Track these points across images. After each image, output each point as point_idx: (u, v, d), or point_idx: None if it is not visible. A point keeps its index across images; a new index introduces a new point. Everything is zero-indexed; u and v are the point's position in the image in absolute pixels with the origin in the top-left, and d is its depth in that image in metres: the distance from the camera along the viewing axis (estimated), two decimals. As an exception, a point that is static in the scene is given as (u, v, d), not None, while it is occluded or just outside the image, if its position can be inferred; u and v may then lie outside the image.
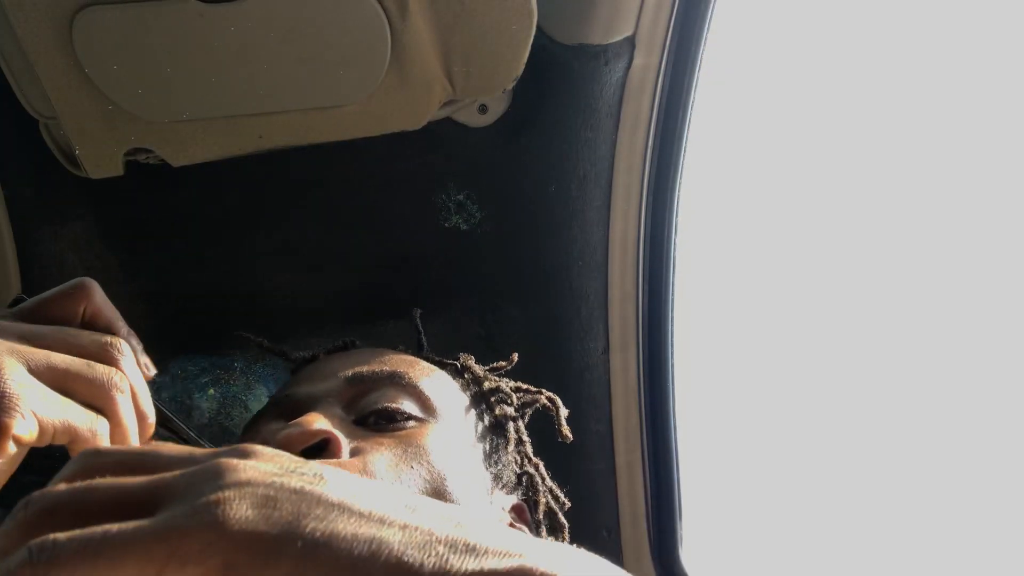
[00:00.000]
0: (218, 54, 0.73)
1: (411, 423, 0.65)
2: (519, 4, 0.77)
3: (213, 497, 0.27)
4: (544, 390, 0.82)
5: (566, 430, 0.80)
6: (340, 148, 0.87)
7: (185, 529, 0.27)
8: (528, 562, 0.27)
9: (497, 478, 0.73)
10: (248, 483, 0.28)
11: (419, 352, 0.82)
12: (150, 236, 0.97)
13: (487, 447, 0.74)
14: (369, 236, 1.00)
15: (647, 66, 0.92)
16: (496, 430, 0.77)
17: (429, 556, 0.27)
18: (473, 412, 0.75)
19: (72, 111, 0.76)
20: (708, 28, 0.92)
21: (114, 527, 0.27)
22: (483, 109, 0.91)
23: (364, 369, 0.68)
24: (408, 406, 0.66)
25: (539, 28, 0.81)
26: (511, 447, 0.77)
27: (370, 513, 0.28)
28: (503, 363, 0.85)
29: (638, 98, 0.94)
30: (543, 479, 0.80)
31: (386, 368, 0.68)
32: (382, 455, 0.60)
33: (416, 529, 0.28)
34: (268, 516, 0.27)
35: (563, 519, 0.80)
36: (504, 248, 1.02)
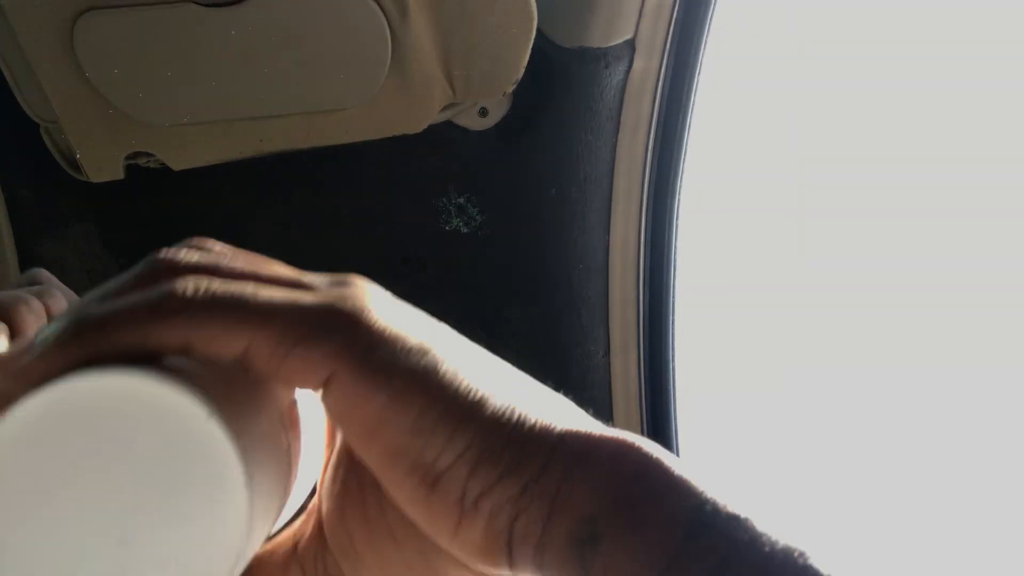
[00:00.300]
0: (218, 58, 0.73)
1: None
2: (519, 7, 0.77)
3: (350, 309, 0.26)
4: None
5: None
6: (341, 151, 0.87)
7: (321, 328, 0.25)
8: (627, 437, 0.27)
9: None
10: (378, 318, 0.27)
11: None
12: (151, 239, 0.97)
13: None
14: (370, 239, 1.00)
15: (647, 69, 0.92)
16: None
17: (532, 413, 0.26)
18: None
19: (73, 115, 0.76)
20: (708, 31, 0.92)
21: (267, 290, 0.26)
22: (483, 112, 0.91)
23: None
24: None
25: (539, 31, 0.81)
26: None
27: (472, 374, 0.27)
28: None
29: (638, 101, 0.94)
30: None
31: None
32: None
33: (517, 390, 0.27)
34: (386, 350, 0.26)
35: None
36: (505, 251, 1.02)
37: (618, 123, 0.96)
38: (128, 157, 0.83)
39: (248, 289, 0.26)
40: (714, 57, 0.94)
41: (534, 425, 0.26)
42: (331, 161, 0.92)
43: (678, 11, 0.89)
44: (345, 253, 1.01)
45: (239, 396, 0.26)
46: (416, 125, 0.84)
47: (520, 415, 0.26)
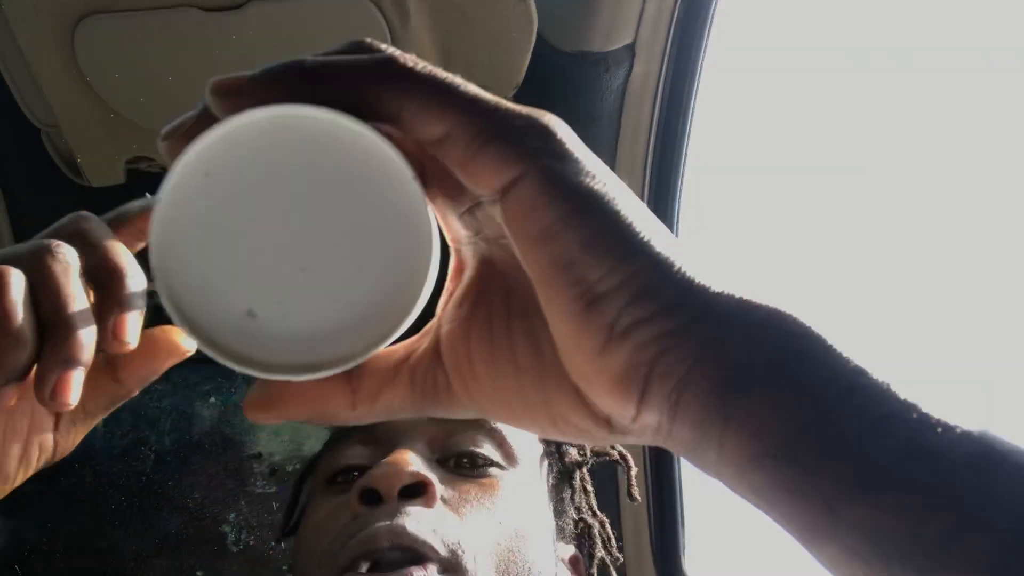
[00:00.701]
0: (219, 62, 0.73)
1: (493, 469, 0.65)
2: (519, 12, 0.77)
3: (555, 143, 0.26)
4: (616, 444, 0.82)
5: (635, 490, 0.80)
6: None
7: (520, 130, 0.26)
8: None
9: (561, 529, 0.73)
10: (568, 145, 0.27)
11: None
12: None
13: (556, 496, 0.74)
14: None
15: (648, 73, 0.93)
16: (563, 476, 0.77)
17: (694, 265, 0.27)
18: (547, 459, 0.75)
19: (73, 119, 0.76)
20: (708, 35, 0.92)
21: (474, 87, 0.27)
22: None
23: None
24: (491, 452, 0.66)
25: (539, 35, 0.81)
26: (575, 496, 0.77)
27: (644, 215, 0.27)
28: None
29: (639, 105, 0.95)
30: (603, 531, 0.80)
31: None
32: (470, 507, 0.61)
33: (679, 244, 0.28)
34: (574, 166, 0.26)
35: (615, 574, 0.80)
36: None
37: (618, 127, 0.96)
38: (128, 161, 0.83)
39: (459, 80, 0.27)
40: (714, 61, 0.94)
41: (695, 275, 0.26)
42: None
43: (678, 15, 0.89)
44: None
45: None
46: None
47: (684, 262, 0.26)
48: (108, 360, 0.37)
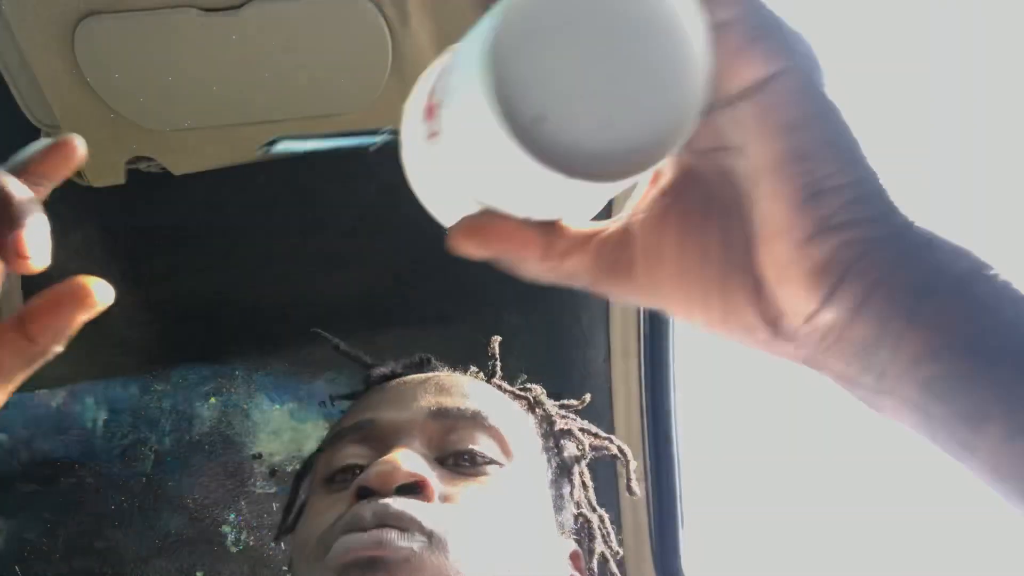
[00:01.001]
0: (219, 63, 0.73)
1: (491, 467, 0.66)
2: (520, 12, 0.77)
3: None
4: (614, 437, 0.82)
5: (635, 484, 0.81)
6: (341, 156, 0.88)
7: (790, 33, 0.29)
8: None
9: (561, 524, 0.73)
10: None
11: (490, 379, 0.82)
12: (152, 245, 0.97)
13: (555, 492, 0.74)
14: (370, 244, 1.00)
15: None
16: (562, 471, 0.77)
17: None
18: (545, 454, 0.75)
19: (74, 120, 0.76)
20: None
21: None
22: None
23: (448, 404, 0.68)
24: (490, 449, 0.67)
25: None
26: (575, 491, 0.77)
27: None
28: (575, 401, 0.86)
29: None
30: (602, 526, 0.80)
31: (470, 406, 0.68)
32: (467, 501, 0.62)
33: None
34: (826, 78, 0.30)
35: (615, 569, 0.80)
36: (505, 256, 1.02)
37: None
38: (129, 162, 0.83)
39: None
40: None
41: (896, 200, 0.30)
42: (332, 165, 0.92)
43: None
44: (345, 259, 1.01)
45: None
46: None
47: (888, 187, 0.30)
48: (18, 319, 0.37)
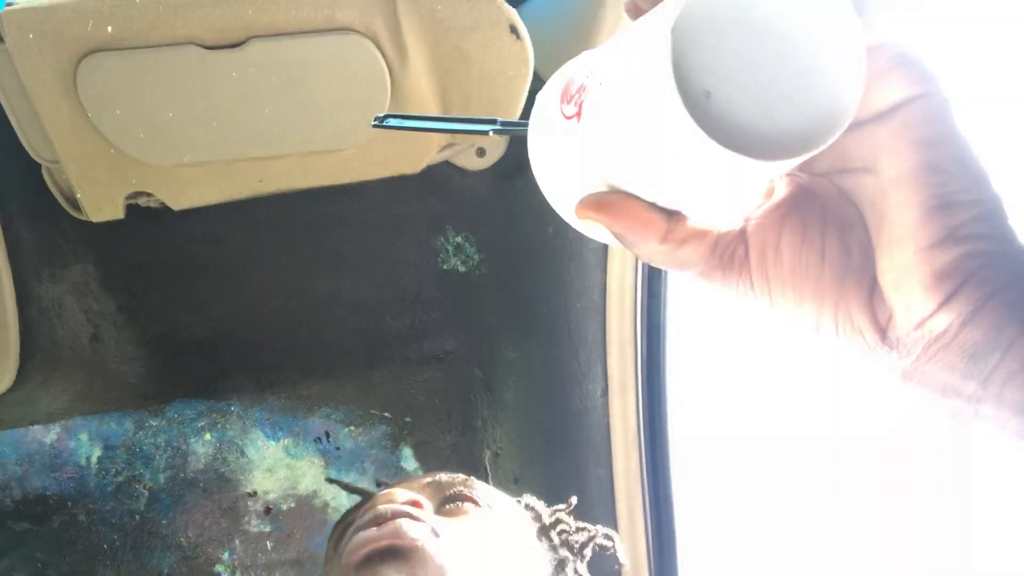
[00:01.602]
0: (219, 99, 0.74)
1: (475, 512, 0.71)
2: (515, 51, 0.78)
3: None
4: (600, 527, 0.85)
5: (623, 557, 0.85)
6: (339, 192, 0.88)
7: (928, 64, 0.32)
8: None
9: None
10: None
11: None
12: (149, 280, 0.97)
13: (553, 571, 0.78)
14: (368, 278, 1.00)
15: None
16: (559, 566, 0.80)
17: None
18: (538, 540, 0.79)
19: (74, 155, 0.77)
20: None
21: None
22: (481, 152, 0.92)
23: (443, 476, 0.75)
24: (481, 498, 0.73)
25: (536, 74, 0.82)
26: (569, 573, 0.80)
27: None
28: (563, 506, 0.89)
29: None
30: None
31: (459, 478, 0.75)
32: (459, 519, 0.68)
33: None
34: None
35: None
36: (502, 290, 1.02)
37: None
38: (128, 197, 0.84)
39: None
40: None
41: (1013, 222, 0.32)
42: (330, 202, 0.93)
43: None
44: (343, 292, 1.01)
45: None
46: (414, 165, 0.85)
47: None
48: None
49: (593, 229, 0.43)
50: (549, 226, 0.99)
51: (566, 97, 0.37)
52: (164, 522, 1.09)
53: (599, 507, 1.05)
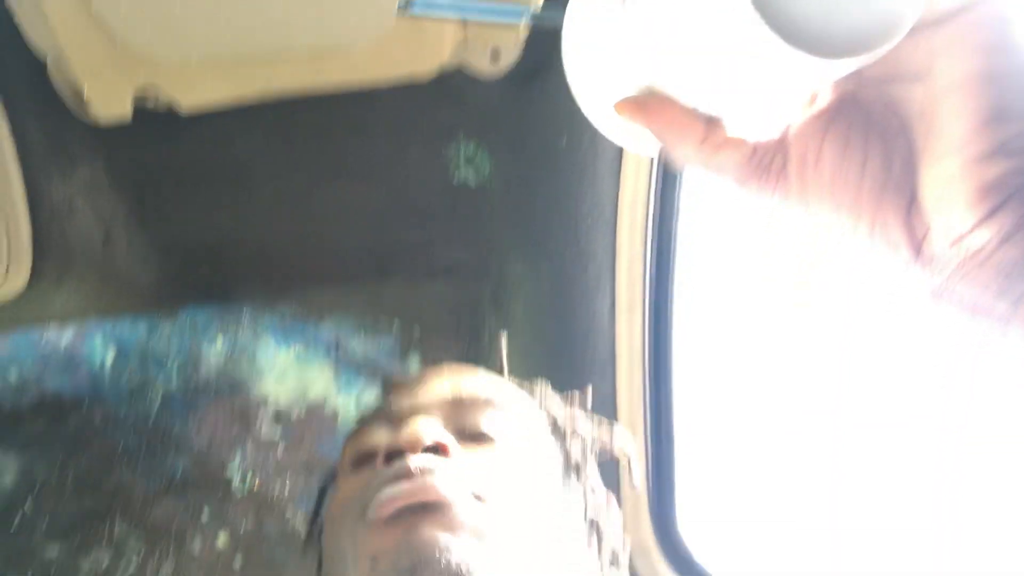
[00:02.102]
0: (228, -7, 0.72)
1: (503, 441, 0.69)
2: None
3: None
4: (617, 437, 0.85)
5: (636, 479, 0.84)
6: (349, 99, 0.87)
7: None
8: None
9: (570, 504, 0.76)
10: None
11: (500, 374, 0.86)
12: (159, 184, 0.97)
13: (563, 472, 0.78)
14: (377, 187, 1.00)
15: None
16: (568, 465, 0.80)
17: None
18: (553, 441, 0.79)
19: (79, 49, 0.76)
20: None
21: None
22: (495, 56, 0.90)
23: (462, 390, 0.72)
24: (502, 428, 0.70)
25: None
26: (583, 482, 0.80)
27: None
28: (578, 393, 0.89)
29: None
30: (611, 521, 0.82)
31: (482, 393, 0.72)
32: (487, 456, 0.66)
33: None
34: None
35: (623, 557, 0.83)
36: (513, 203, 1.02)
37: None
38: (136, 98, 0.82)
39: None
40: None
41: None
42: (339, 109, 0.92)
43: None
44: (352, 201, 1.00)
45: None
46: (427, 64, 0.83)
47: None
48: None
49: (620, 134, 0.42)
50: (563, 137, 0.97)
51: None
52: (177, 425, 1.12)
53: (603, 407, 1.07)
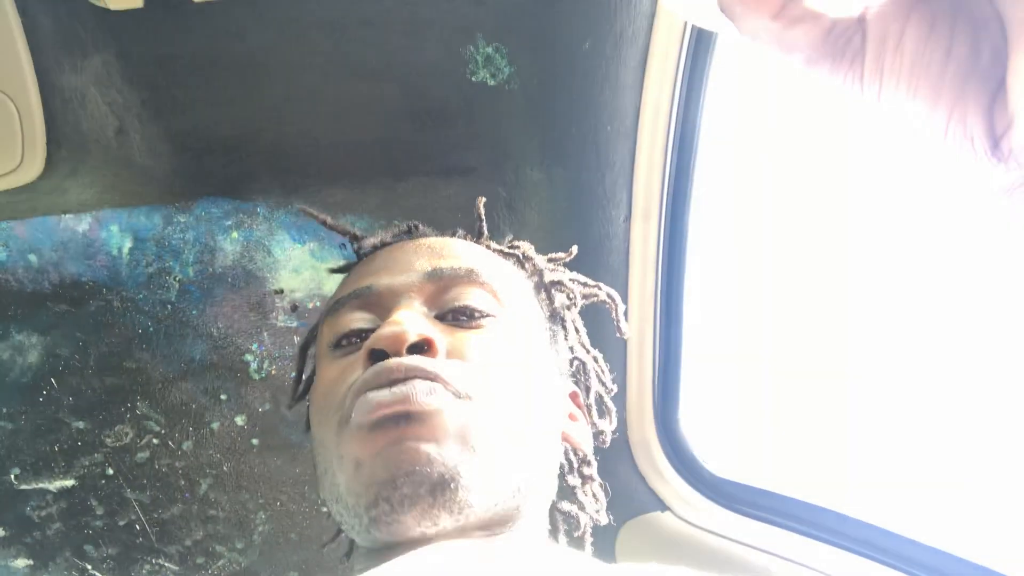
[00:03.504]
0: None
1: (487, 319, 0.67)
2: None
3: None
4: (602, 284, 0.84)
5: (624, 326, 0.83)
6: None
7: None
8: None
9: (558, 367, 0.76)
10: None
11: (478, 239, 0.83)
12: (172, 74, 0.95)
13: (550, 337, 0.77)
14: (392, 86, 0.97)
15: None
16: (554, 319, 0.79)
17: None
18: (536, 302, 0.77)
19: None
20: None
21: None
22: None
23: (443, 265, 0.70)
24: (485, 302, 0.68)
25: None
26: (568, 336, 0.80)
27: None
28: (562, 255, 0.87)
29: (669, 28, 0.88)
30: (596, 365, 0.83)
31: (463, 265, 0.70)
32: (472, 352, 0.64)
33: None
34: None
35: (610, 403, 0.84)
36: (531, 107, 0.99)
37: (647, 48, 0.90)
38: (146, -15, 0.79)
39: None
40: None
41: None
42: (355, 2, 0.88)
43: None
44: (366, 100, 0.98)
45: None
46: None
47: None
48: None
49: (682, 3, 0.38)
50: (586, 40, 0.94)
51: None
52: (195, 313, 1.14)
53: (611, 328, 1.08)
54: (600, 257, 1.11)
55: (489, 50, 0.95)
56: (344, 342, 0.68)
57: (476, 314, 0.67)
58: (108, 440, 1.18)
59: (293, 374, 1.00)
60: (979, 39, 0.32)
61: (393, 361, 0.59)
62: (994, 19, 0.32)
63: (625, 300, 1.14)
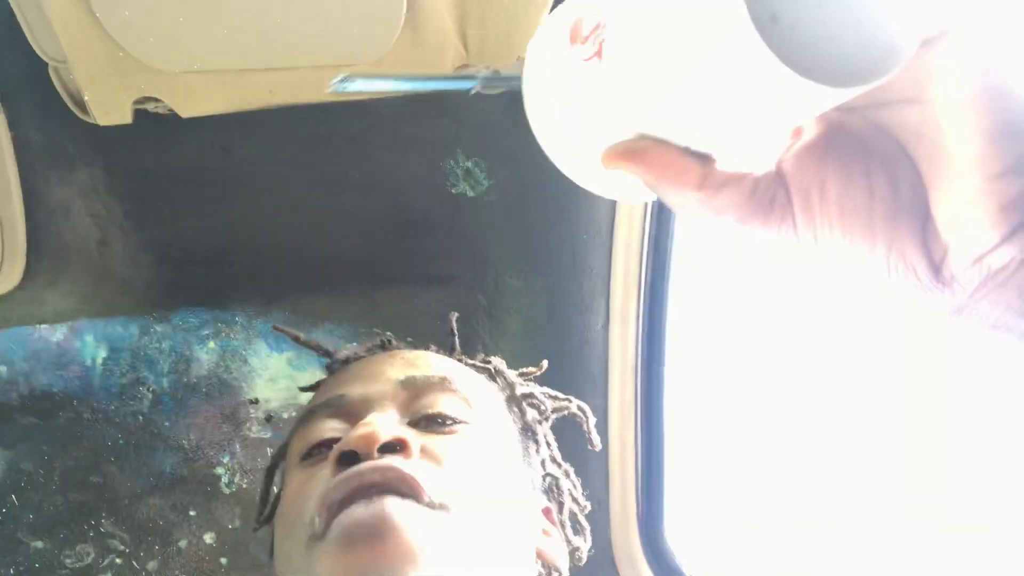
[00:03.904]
0: (231, 6, 0.72)
1: (461, 425, 0.67)
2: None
3: None
4: (573, 398, 0.84)
5: (595, 438, 0.83)
6: (349, 108, 0.87)
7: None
8: None
9: (531, 481, 0.75)
10: None
11: (451, 353, 0.83)
12: (157, 187, 0.97)
13: (522, 448, 0.76)
14: (374, 198, 1.00)
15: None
16: (527, 433, 0.78)
17: None
18: (508, 416, 0.77)
19: (82, 56, 0.75)
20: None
21: None
22: (495, 74, 0.90)
23: (416, 373, 0.69)
24: (458, 409, 0.68)
25: (557, -4, 0.80)
26: (540, 449, 0.79)
27: None
28: (533, 369, 0.88)
29: None
30: (568, 480, 0.82)
31: (436, 373, 0.70)
32: (447, 456, 0.62)
33: None
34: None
35: (584, 521, 0.82)
36: (509, 218, 1.02)
37: None
38: (136, 102, 0.82)
39: None
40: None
41: None
42: (340, 119, 0.92)
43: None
44: (349, 211, 1.00)
45: None
46: (427, 85, 0.83)
47: None
48: None
49: (602, 184, 0.40)
50: (561, 155, 0.97)
51: (577, 38, 0.34)
52: (167, 424, 1.11)
53: (592, 458, 1.08)
54: (579, 364, 1.11)
55: (469, 164, 0.99)
56: (314, 452, 0.66)
57: (449, 420, 0.66)
58: (68, 560, 1.12)
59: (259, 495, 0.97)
60: (895, 175, 0.33)
61: (366, 465, 0.57)
62: (902, 155, 0.33)
63: (605, 409, 1.13)
